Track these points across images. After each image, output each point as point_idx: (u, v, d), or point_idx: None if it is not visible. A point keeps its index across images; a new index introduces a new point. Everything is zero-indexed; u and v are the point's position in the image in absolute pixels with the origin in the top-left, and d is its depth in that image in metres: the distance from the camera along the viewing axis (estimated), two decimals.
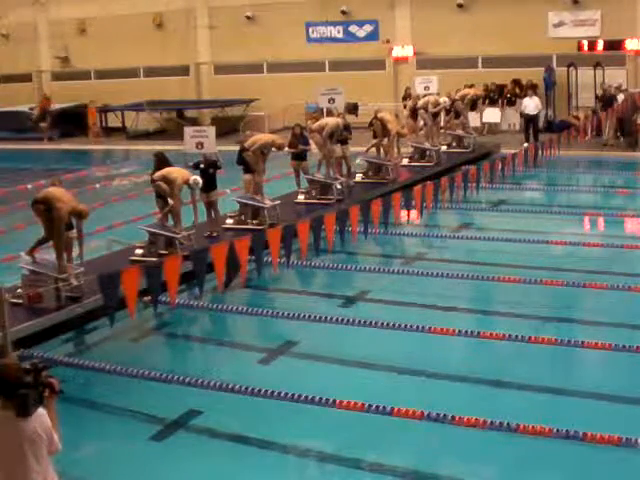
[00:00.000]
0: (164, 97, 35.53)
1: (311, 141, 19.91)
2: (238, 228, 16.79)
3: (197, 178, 15.34)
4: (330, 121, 19.90)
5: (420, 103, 24.92)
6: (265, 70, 36.13)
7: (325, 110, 25.23)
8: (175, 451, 9.18)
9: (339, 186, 19.41)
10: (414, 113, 25.17)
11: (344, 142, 20.43)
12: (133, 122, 35.68)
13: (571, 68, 30.22)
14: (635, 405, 9.68)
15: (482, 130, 29.88)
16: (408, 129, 24.33)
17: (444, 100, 24.93)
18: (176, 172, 15.33)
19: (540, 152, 22.60)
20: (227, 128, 31.47)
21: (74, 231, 13.48)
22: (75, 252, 13.57)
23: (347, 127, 20.46)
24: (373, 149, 22.44)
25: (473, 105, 27.19)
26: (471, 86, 28.61)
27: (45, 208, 12.99)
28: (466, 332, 11.70)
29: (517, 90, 31.13)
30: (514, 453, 8.81)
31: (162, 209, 15.59)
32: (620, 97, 27.68)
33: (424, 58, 33.13)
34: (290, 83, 33.98)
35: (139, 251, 15.06)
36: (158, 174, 15.38)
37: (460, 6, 32.34)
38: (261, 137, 18.05)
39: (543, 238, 16.47)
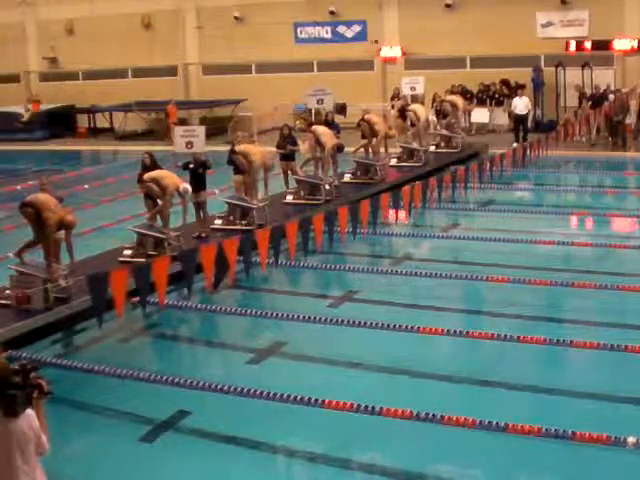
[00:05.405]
0: (152, 98, 35.44)
1: (299, 142, 19.87)
2: (227, 229, 16.78)
3: (187, 187, 15.31)
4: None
5: (410, 107, 24.89)
6: (253, 70, 36.08)
7: (313, 111, 25.22)
8: (164, 452, 9.17)
9: (327, 186, 19.41)
10: (403, 113, 25.19)
11: (340, 149, 20.25)
12: (121, 123, 35.61)
13: (559, 68, 30.27)
14: (624, 404, 9.71)
15: (470, 130, 29.90)
16: (397, 129, 24.36)
17: (432, 120, 25.10)
18: (168, 177, 15.25)
19: (529, 152, 22.64)
20: (215, 129, 31.39)
21: (62, 232, 13.45)
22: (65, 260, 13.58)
23: (340, 149, 20.25)
24: (362, 150, 22.48)
25: None
26: (462, 94, 28.70)
27: (34, 212, 12.95)
28: (455, 332, 11.71)
29: (505, 90, 31.15)
30: (503, 452, 8.81)
31: (151, 210, 15.54)
32: (611, 97, 27.72)
33: (412, 58, 33.14)
34: (278, 84, 33.96)
35: (128, 252, 15.02)
36: (148, 175, 15.33)
37: (448, 6, 32.36)
38: (254, 153, 17.48)
39: (532, 238, 16.47)
